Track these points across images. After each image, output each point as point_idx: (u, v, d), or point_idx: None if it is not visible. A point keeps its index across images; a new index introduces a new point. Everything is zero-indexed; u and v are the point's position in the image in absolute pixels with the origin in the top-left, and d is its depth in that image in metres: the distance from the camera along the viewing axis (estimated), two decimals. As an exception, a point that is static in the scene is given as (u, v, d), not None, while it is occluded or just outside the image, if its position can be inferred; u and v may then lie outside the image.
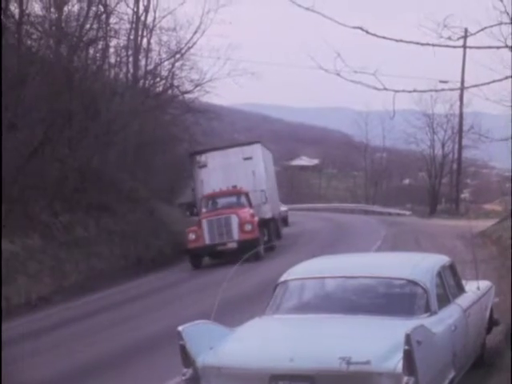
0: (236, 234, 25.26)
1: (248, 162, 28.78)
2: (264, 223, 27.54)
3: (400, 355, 6.00)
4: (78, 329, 16.01)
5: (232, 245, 25.16)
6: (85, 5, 32.32)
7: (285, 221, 41.46)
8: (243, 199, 27.18)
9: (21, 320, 17.68)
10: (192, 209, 31.75)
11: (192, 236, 25.42)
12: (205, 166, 29.20)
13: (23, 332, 15.81)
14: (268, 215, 28.64)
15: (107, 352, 12.80)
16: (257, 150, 29.41)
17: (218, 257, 26.01)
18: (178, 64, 41.50)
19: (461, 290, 8.62)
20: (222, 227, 25.36)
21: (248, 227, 25.25)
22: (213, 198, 27.50)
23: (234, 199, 27.26)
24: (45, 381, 11.27)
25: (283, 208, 42.64)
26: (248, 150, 29.27)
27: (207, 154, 29.72)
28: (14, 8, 27.12)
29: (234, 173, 28.41)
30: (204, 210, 26.87)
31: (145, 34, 39.97)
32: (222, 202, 27.25)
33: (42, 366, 12.29)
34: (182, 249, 26.38)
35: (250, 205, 27.13)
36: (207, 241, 25.30)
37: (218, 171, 28.67)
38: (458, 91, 45.42)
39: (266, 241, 26.93)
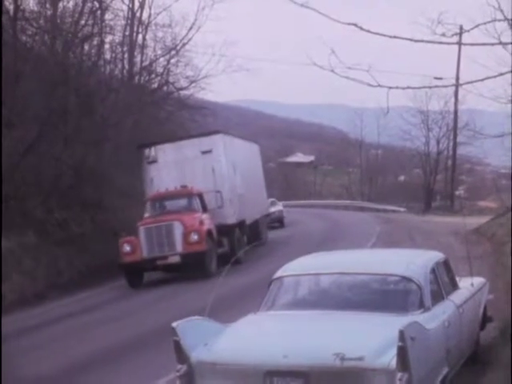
0: (179, 246, 21.02)
1: (207, 157, 24.18)
2: (225, 231, 23.43)
3: (394, 351, 6.02)
4: (72, 325, 16.01)
5: (174, 258, 21.08)
6: (80, 1, 32.31)
7: (280, 221, 39.99)
8: (195, 202, 22.72)
9: (15, 316, 17.66)
10: None
11: (127, 248, 21.11)
12: (154, 161, 24.62)
13: (18, 329, 15.80)
14: (231, 220, 24.19)
15: (102, 348, 12.82)
16: (218, 142, 24.59)
17: (166, 270, 22.34)
18: (173, 60, 41.56)
19: (455, 286, 8.65)
20: (163, 237, 21.11)
21: (194, 237, 20.96)
22: (159, 200, 23.24)
23: (183, 202, 22.97)
24: (40, 376, 11.30)
25: (278, 207, 40.83)
26: (207, 142, 24.49)
27: (157, 146, 24.94)
28: (8, 4, 27.07)
29: (190, 169, 24.04)
30: (147, 214, 22.69)
31: (140, 30, 39.96)
32: (170, 205, 23.05)
33: (37, 362, 12.31)
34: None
35: (205, 208, 22.85)
36: (145, 253, 21.00)
37: (171, 168, 24.28)
38: (453, 88, 45.53)
39: (228, 252, 22.64)
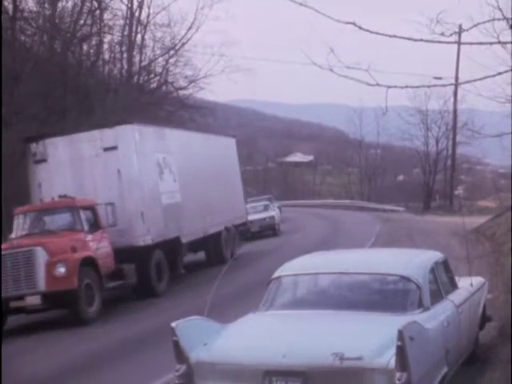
0: (41, 282, 15.31)
1: (111, 155, 18.56)
2: (134, 255, 18.00)
3: (393, 351, 6.00)
4: (66, 329, 15.89)
5: (33, 300, 15.30)
6: (79, 0, 32.41)
7: (272, 229, 35.28)
8: (77, 218, 16.89)
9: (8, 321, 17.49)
10: None
11: None
12: (43, 160, 18.96)
13: (11, 333, 15.63)
14: (143, 241, 18.34)
15: (98, 351, 12.83)
16: (126, 136, 18.68)
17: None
18: (172, 60, 41.63)
19: (454, 286, 8.64)
20: (20, 269, 15.36)
21: (60, 270, 15.27)
22: (30, 215, 17.43)
23: (62, 218, 17.22)
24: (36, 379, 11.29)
25: (269, 213, 35.90)
26: (111, 136, 18.68)
27: (47, 140, 19.09)
28: (7, 4, 27.09)
29: (89, 172, 18.65)
30: (13, 235, 17.00)
31: (139, 29, 40.01)
32: (45, 222, 17.34)
33: (31, 364, 12.29)
34: None
35: (96, 226, 17.31)
36: None
37: (65, 169, 18.73)
38: (452, 87, 45.51)
39: (136, 284, 18.06)
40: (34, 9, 30.45)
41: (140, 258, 18.23)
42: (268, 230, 35.15)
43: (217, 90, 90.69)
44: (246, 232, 31.17)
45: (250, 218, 32.00)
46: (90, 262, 16.13)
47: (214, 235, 23.68)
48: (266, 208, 36.56)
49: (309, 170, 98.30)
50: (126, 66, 39.54)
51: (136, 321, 15.50)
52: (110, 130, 18.78)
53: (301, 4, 7.74)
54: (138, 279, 17.96)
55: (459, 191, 69.56)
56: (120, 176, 18.48)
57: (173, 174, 20.56)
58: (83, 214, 17.09)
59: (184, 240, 20.92)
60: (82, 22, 32.55)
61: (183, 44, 40.86)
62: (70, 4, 32.51)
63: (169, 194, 20.16)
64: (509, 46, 10.59)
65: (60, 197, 17.52)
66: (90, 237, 16.87)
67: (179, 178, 20.87)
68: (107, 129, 18.88)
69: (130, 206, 18.32)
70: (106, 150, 18.56)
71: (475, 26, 9.07)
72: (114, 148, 18.52)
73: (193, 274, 22.22)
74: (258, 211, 35.31)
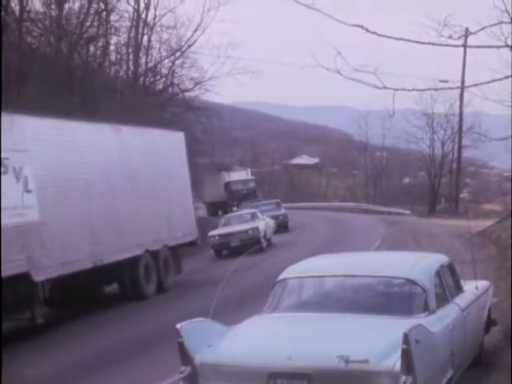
0: None
1: None
2: None
3: (398, 354, 5.99)
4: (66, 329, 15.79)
5: None
6: (85, 2, 32.47)
7: (257, 242, 27.05)
8: None
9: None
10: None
11: None
12: None
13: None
14: None
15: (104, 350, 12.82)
16: None
17: None
18: (178, 62, 41.67)
19: (459, 289, 8.63)
20: None
21: None
22: None
23: None
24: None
25: (254, 223, 29.96)
26: None
27: None
28: (14, 5, 27.18)
29: None
30: None
31: (145, 31, 40.02)
32: None
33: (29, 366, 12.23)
34: None
35: None
36: None
37: None
38: (458, 91, 45.46)
39: None
40: (41, 10, 30.59)
41: None
42: (251, 244, 26.62)
43: (223, 92, 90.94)
44: (224, 247, 28.39)
45: (230, 230, 29.09)
46: None
47: (130, 261, 17.82)
48: (252, 217, 30.90)
49: (314, 172, 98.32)
50: (132, 68, 39.58)
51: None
52: None
53: (308, 6, 7.73)
54: None
55: (465, 194, 69.50)
56: None
57: (25, 181, 14.31)
58: None
59: (40, 277, 14.45)
60: (88, 23, 32.64)
61: (189, 46, 40.94)
62: (76, 5, 32.66)
63: (11, 210, 13.73)
64: (516, 49, 10.56)
65: None
66: None
67: (40, 186, 14.76)
68: None
69: None
70: None
71: (482, 29, 9.05)
72: None
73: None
74: (243, 221, 30.48)
